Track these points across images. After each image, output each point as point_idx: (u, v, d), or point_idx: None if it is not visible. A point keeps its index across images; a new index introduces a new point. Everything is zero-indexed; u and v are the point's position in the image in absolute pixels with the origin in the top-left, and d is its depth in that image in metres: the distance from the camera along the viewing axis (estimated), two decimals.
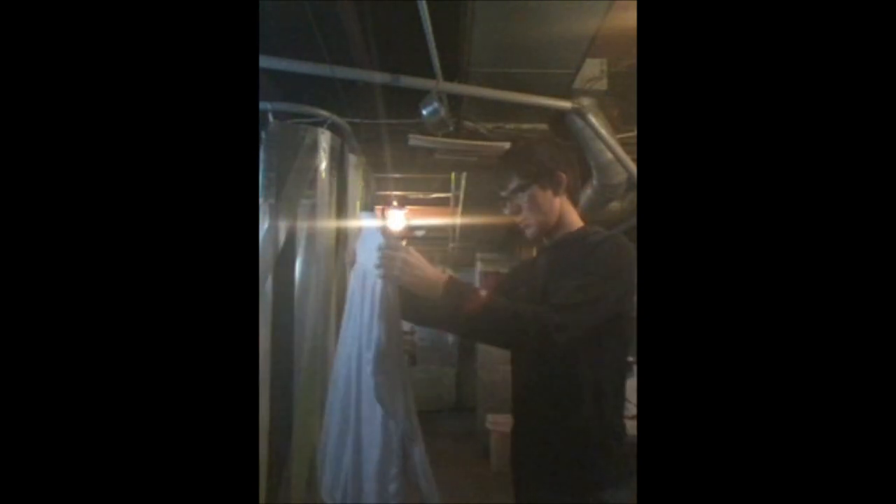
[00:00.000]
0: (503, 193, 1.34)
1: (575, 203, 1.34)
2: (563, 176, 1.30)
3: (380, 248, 1.11)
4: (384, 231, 1.16)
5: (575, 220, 1.33)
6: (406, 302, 1.17)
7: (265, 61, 2.33)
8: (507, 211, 1.35)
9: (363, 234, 1.29)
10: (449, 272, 1.19)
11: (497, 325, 1.14)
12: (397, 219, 4.33)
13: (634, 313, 1.15)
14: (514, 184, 1.30)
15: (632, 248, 1.21)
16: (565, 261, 1.24)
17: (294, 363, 1.77)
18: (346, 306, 1.27)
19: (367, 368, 1.12)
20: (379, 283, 1.13)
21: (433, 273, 1.14)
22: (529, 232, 1.32)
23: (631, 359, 3.44)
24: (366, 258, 1.21)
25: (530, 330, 1.10)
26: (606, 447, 1.20)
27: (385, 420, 1.12)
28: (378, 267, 1.11)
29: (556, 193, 1.30)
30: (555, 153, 1.33)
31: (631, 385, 2.61)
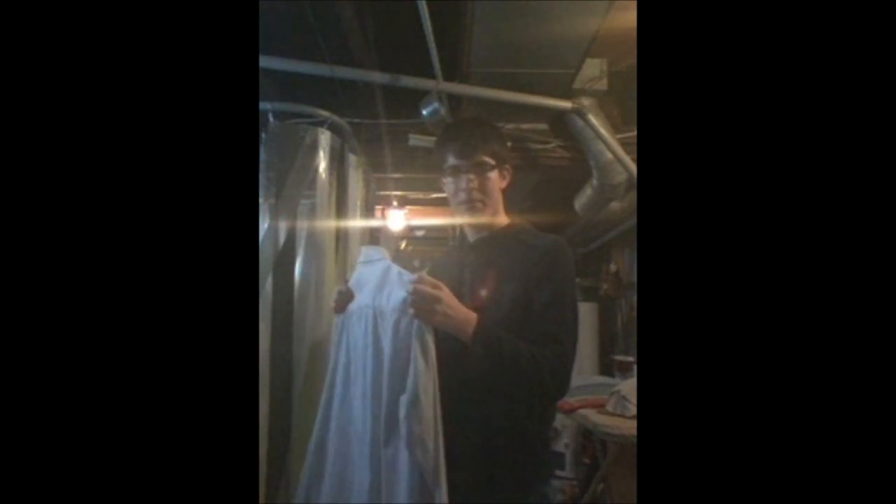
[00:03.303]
0: (458, 161, 1.25)
1: (505, 198, 1.32)
2: (511, 170, 1.31)
3: (413, 286, 1.07)
4: (419, 279, 1.09)
5: (503, 216, 1.31)
6: None
7: (265, 61, 2.32)
8: (450, 180, 1.27)
9: (360, 270, 1.24)
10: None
11: (518, 373, 1.08)
12: (397, 219, 4.33)
13: None
14: (478, 158, 1.24)
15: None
16: (500, 260, 1.22)
17: (294, 363, 1.77)
18: (341, 347, 1.22)
19: (401, 413, 1.06)
20: (404, 323, 1.09)
21: (465, 313, 1.10)
22: (472, 212, 1.26)
23: (631, 359, 3.45)
24: (373, 297, 1.17)
25: (550, 377, 1.09)
26: (543, 443, 1.22)
27: (412, 465, 1.06)
28: (411, 305, 1.07)
29: (502, 185, 1.29)
30: (506, 144, 1.33)
31: (631, 385, 2.61)
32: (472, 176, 1.24)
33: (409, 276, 1.11)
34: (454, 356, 1.10)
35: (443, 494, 1.04)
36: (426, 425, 1.05)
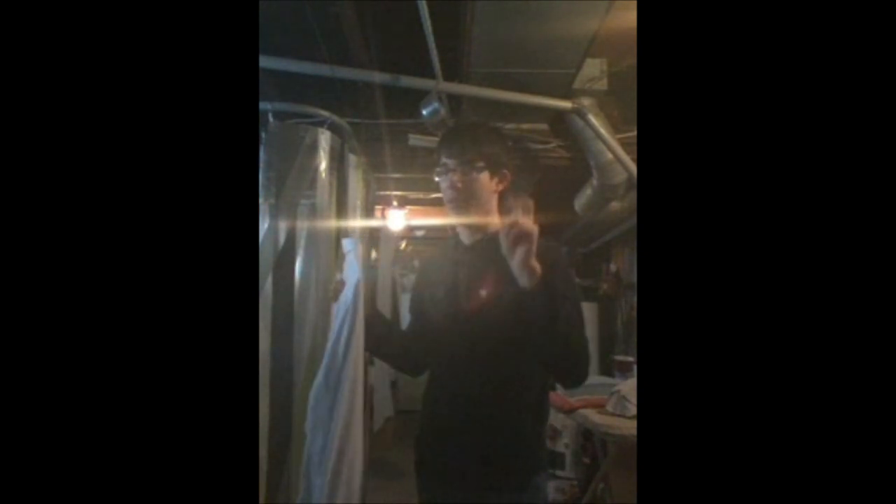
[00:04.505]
0: (449, 160, 1.26)
1: (500, 204, 1.33)
2: (509, 175, 1.30)
3: (511, 225, 1.08)
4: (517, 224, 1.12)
5: (496, 219, 1.30)
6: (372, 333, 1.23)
7: (265, 61, 2.32)
8: (441, 178, 1.28)
9: (347, 261, 1.31)
10: None
11: (567, 328, 1.11)
12: (397, 219, 4.33)
13: None
14: (466, 157, 1.25)
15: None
16: (497, 263, 1.20)
17: (294, 363, 1.77)
18: (333, 328, 1.29)
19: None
20: (346, 312, 1.19)
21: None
22: (456, 212, 1.28)
23: (631, 359, 3.45)
24: (348, 283, 1.26)
25: (581, 349, 1.16)
26: (540, 435, 1.27)
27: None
28: (511, 239, 1.08)
29: (495, 189, 1.28)
30: (508, 150, 1.33)
31: (631, 385, 2.61)
32: (457, 175, 1.25)
33: (356, 269, 1.23)
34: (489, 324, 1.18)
35: (323, 486, 1.14)
36: (317, 415, 1.16)
